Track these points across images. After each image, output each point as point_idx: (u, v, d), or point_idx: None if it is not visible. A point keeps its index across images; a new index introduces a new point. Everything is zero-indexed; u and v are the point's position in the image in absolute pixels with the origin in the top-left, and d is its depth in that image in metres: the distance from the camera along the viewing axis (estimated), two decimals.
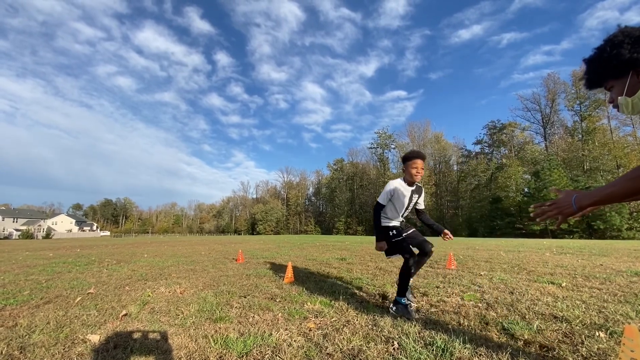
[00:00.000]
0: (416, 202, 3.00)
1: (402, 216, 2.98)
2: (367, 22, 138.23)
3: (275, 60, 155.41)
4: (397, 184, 2.85)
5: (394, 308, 2.67)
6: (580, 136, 43.19)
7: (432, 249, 2.88)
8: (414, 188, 2.89)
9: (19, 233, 68.14)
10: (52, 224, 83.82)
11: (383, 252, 2.91)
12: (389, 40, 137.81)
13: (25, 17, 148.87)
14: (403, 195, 2.84)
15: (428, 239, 2.98)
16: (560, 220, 1.19)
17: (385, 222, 2.95)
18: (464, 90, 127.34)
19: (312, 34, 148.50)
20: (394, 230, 2.89)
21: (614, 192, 1.07)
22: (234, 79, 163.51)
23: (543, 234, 35.65)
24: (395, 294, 2.85)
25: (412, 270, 2.71)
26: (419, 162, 2.77)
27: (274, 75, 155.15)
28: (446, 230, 2.79)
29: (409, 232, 3.00)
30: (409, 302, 2.70)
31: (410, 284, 2.88)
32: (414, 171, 2.77)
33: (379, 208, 2.88)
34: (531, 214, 1.09)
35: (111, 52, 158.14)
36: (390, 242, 2.85)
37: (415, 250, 2.85)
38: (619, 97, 1.14)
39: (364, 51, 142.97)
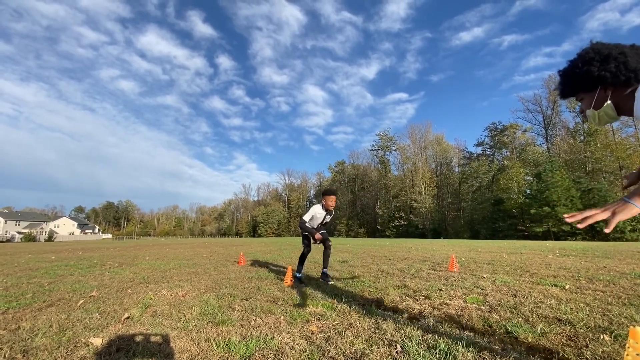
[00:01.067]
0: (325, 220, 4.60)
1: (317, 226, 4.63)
2: (368, 25, 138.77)
3: (277, 63, 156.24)
4: (318, 208, 4.45)
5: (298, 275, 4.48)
6: (582, 137, 43.05)
7: (330, 243, 4.58)
8: (327, 212, 4.50)
9: (21, 236, 68.26)
10: (55, 227, 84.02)
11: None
12: (390, 42, 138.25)
13: (29, 22, 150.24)
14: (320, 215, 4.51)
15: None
16: (614, 220, 1.16)
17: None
18: (465, 92, 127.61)
19: (314, 37, 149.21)
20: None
21: None
22: (236, 82, 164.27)
23: (546, 236, 35.46)
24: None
25: (306, 256, 4.60)
26: (333, 197, 4.39)
27: (276, 78, 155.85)
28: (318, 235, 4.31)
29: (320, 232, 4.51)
30: (301, 275, 4.48)
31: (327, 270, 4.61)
32: (329, 203, 4.39)
33: (303, 222, 4.44)
34: (566, 219, 1.12)
35: (114, 56, 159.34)
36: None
37: (320, 245, 4.62)
38: (587, 110, 1.25)
39: (365, 54, 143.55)
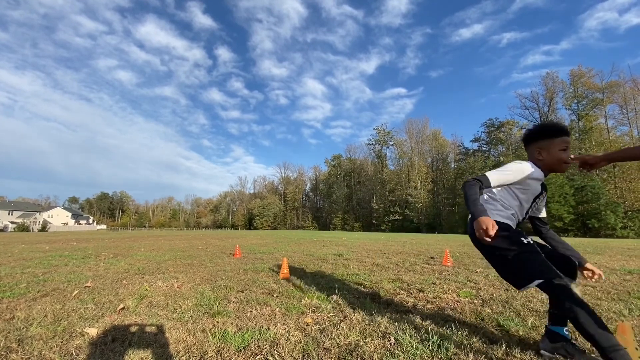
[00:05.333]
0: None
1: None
2: (369, 19, 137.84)
3: (277, 56, 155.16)
4: (527, 167, 1.77)
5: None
6: (577, 135, 43.36)
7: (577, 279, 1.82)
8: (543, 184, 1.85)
9: (14, 226, 67.72)
10: (48, 217, 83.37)
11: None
12: (391, 38, 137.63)
13: (26, 10, 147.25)
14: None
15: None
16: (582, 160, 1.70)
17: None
18: (464, 89, 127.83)
19: (314, 30, 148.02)
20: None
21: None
22: (235, 74, 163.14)
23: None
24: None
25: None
26: (568, 140, 1.76)
27: (275, 71, 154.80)
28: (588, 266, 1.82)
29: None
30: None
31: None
32: (560, 154, 1.74)
33: (472, 191, 1.66)
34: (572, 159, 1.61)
35: (112, 45, 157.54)
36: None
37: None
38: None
39: (365, 48, 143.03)
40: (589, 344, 1.51)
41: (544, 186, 1.84)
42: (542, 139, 1.80)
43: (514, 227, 1.80)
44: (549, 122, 1.94)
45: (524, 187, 1.78)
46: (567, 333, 1.71)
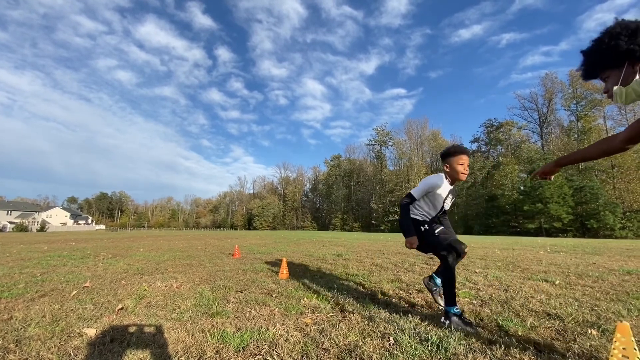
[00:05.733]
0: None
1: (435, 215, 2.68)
2: (368, 20, 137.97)
3: (276, 57, 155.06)
4: (438, 179, 2.56)
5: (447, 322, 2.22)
6: (576, 136, 43.50)
7: (464, 249, 2.41)
8: (452, 187, 2.64)
9: (12, 226, 67.53)
10: (47, 217, 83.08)
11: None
12: (390, 38, 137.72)
13: (26, 9, 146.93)
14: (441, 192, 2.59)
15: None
16: (540, 172, 1.77)
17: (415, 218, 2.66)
18: (463, 89, 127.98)
19: (314, 30, 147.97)
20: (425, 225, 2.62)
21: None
22: (235, 75, 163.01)
23: (538, 232, 35.98)
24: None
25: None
26: (465, 158, 2.53)
27: (275, 71, 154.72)
28: None
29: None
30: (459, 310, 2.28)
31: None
32: (460, 168, 2.51)
33: (405, 205, 2.60)
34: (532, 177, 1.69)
35: (112, 45, 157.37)
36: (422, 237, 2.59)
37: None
38: (614, 87, 1.20)
39: (365, 49, 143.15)
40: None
41: (452, 190, 2.65)
42: (448, 157, 2.58)
43: (429, 220, 2.63)
44: (453, 144, 2.67)
45: (434, 195, 2.58)
46: (439, 281, 2.71)
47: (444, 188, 2.56)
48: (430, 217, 2.63)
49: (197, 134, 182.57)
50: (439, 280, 2.71)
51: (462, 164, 2.51)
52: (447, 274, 2.34)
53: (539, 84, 52.05)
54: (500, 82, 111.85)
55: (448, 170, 2.58)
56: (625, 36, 1.10)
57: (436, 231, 2.52)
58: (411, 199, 2.58)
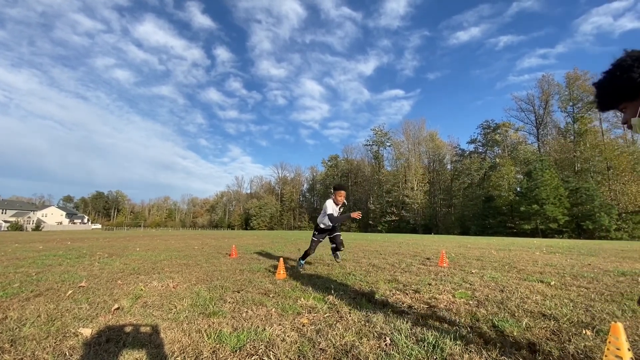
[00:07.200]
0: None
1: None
2: (367, 21, 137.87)
3: (275, 57, 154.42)
4: (331, 203, 4.71)
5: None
6: (572, 137, 43.72)
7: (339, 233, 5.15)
8: (338, 205, 4.80)
9: (7, 225, 66.99)
10: (42, 216, 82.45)
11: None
12: (389, 40, 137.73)
13: (24, 7, 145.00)
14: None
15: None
16: None
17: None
18: (461, 91, 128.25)
19: (313, 31, 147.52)
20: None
21: None
22: (233, 74, 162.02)
23: (534, 233, 36.16)
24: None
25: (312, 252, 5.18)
26: (343, 193, 4.73)
27: (273, 71, 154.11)
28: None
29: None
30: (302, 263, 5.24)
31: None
32: (339, 198, 4.72)
33: (333, 216, 4.64)
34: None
35: (110, 44, 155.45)
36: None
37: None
38: (632, 119, 1.18)
39: (364, 50, 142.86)
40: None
41: (339, 210, 4.84)
42: (335, 190, 4.77)
43: (324, 228, 5.01)
44: (337, 182, 4.86)
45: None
46: (302, 262, 5.25)
47: (335, 209, 4.71)
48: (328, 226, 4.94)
49: (194, 133, 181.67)
50: (340, 253, 5.34)
51: (342, 196, 4.71)
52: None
53: (535, 85, 52.22)
54: (497, 84, 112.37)
55: (335, 199, 4.73)
56: (637, 67, 1.10)
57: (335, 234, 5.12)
58: (331, 214, 4.63)
